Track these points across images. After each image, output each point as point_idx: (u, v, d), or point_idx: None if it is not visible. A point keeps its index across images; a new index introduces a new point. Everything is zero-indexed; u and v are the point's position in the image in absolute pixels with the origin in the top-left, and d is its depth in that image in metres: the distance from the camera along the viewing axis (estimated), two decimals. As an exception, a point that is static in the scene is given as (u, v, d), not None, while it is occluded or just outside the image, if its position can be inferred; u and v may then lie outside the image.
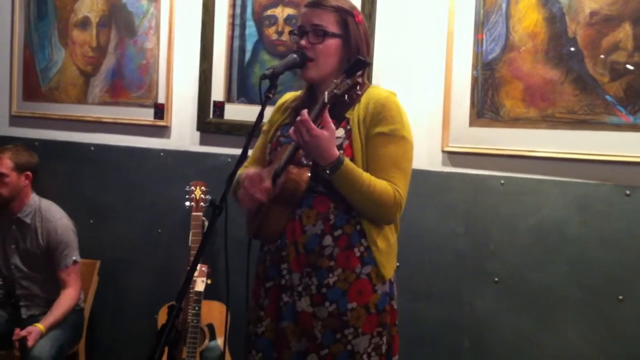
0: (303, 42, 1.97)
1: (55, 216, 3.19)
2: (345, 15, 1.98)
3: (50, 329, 2.95)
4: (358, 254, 1.93)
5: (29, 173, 3.21)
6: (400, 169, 1.93)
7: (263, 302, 2.01)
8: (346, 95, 1.74)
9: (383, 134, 1.92)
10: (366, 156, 1.93)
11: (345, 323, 1.91)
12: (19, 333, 2.80)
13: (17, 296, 3.00)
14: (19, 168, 3.17)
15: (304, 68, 1.97)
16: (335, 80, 1.78)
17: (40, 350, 2.85)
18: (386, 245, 1.98)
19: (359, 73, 1.76)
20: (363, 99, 1.96)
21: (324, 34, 1.95)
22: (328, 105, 1.79)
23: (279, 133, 2.11)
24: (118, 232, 3.41)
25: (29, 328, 2.87)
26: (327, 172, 1.83)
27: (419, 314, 2.74)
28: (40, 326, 2.91)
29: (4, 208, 3.17)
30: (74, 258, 3.13)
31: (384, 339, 1.97)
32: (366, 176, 1.87)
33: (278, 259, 1.97)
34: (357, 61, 1.74)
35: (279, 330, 1.97)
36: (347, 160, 1.84)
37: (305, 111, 1.80)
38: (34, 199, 3.22)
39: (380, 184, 1.88)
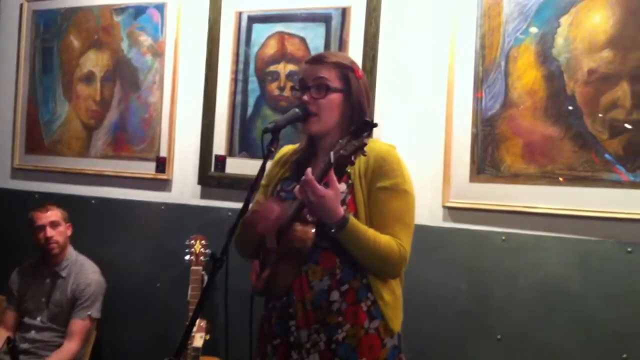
0: (306, 97, 1.97)
1: (88, 269, 3.21)
2: (346, 70, 2.00)
3: None
4: (365, 308, 1.92)
5: (70, 224, 3.25)
6: (403, 223, 1.93)
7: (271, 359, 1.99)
8: (353, 157, 1.75)
9: (385, 188, 1.93)
10: (369, 210, 1.93)
11: None
12: None
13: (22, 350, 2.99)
14: (65, 219, 3.23)
15: (307, 123, 1.98)
16: (340, 141, 1.76)
17: None
18: (392, 298, 1.96)
19: (366, 134, 1.74)
20: None
21: (327, 89, 1.96)
22: (334, 165, 1.78)
23: (279, 187, 2.10)
24: (117, 285, 3.37)
25: None
26: (333, 230, 1.84)
27: (421, 371, 2.70)
28: None
29: (46, 261, 3.19)
30: (89, 313, 3.11)
31: None
32: (371, 233, 1.87)
33: (286, 315, 1.95)
34: (364, 123, 1.73)
35: None
36: (352, 219, 1.84)
37: (309, 170, 1.80)
38: (71, 253, 3.24)
39: (385, 240, 1.88)
